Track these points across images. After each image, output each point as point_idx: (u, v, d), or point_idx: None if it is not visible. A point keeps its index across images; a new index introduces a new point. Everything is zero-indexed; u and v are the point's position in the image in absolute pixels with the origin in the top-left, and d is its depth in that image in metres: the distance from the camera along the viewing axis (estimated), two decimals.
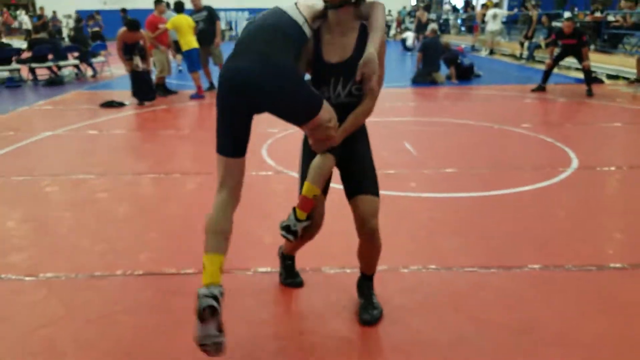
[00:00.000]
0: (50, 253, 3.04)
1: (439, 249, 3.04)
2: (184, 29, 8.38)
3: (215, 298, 1.78)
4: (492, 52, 16.24)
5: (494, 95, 8.90)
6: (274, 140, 5.68)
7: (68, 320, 2.32)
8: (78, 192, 4.18)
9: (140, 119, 7.29)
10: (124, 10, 15.26)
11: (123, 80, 10.82)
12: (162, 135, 6.27)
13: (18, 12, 27.14)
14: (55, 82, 10.24)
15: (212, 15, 8.87)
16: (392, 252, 2.98)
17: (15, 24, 25.85)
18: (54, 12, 24.20)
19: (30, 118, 7.35)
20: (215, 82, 8.60)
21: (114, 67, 12.12)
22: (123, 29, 8.01)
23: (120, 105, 7.75)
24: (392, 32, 27.16)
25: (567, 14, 12.48)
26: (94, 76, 11.43)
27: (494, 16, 15.76)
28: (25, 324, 2.29)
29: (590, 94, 8.37)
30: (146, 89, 8.08)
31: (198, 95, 8.62)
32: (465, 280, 2.65)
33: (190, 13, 8.86)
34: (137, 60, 7.89)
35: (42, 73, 10.71)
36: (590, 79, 8.60)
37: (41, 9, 24.11)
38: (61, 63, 10.76)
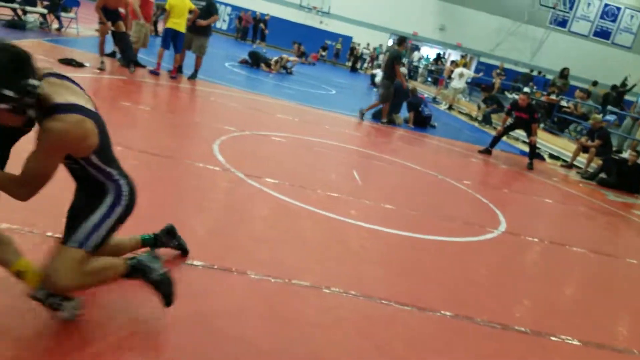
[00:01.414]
0: None
1: (362, 277, 3.13)
2: (178, 9, 8.33)
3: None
4: (450, 108, 17.00)
5: (444, 147, 9.32)
6: (228, 138, 5.66)
7: None
8: None
9: (97, 84, 7.03)
10: None
11: (88, 41, 10.43)
12: (114, 105, 6.07)
13: None
14: (17, 26, 9.67)
15: (210, 6, 8.90)
16: (320, 271, 3.04)
17: None
18: None
19: None
20: (189, 70, 8.47)
21: (81, 26, 11.65)
22: None
23: (80, 65, 7.44)
24: (365, 65, 27.88)
25: (526, 89, 13.35)
26: (58, 29, 10.90)
27: (461, 75, 16.57)
28: None
29: (530, 167, 8.94)
30: (132, 52, 7.93)
31: (155, 72, 8.63)
32: (379, 311, 2.74)
33: None
34: (120, 25, 7.70)
35: (6, 13, 10.11)
36: (534, 154, 9.20)
37: None
38: (28, 8, 10.19)
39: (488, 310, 3.09)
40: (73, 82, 1.99)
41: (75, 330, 2.01)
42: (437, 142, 9.68)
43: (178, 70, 9.05)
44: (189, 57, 9.23)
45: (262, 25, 24.18)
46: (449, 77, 18.63)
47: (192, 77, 9.11)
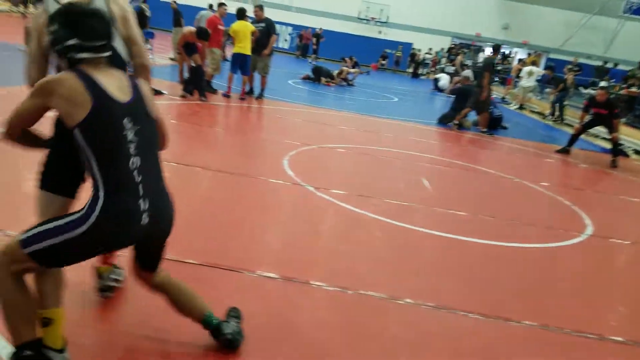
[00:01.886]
0: None
1: (440, 288, 3.05)
2: (241, 34, 8.72)
3: None
4: (521, 107, 16.28)
5: (517, 149, 8.93)
6: (296, 152, 5.76)
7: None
8: None
9: (176, 110, 7.41)
10: (175, 4, 15.54)
11: (163, 71, 11.08)
12: (191, 129, 6.38)
13: None
14: None
15: (270, 27, 9.26)
16: (396, 282, 3.00)
17: None
18: None
19: None
20: (256, 90, 8.81)
21: (157, 56, 12.40)
22: (190, 30, 8.36)
23: (159, 93, 7.91)
24: (426, 70, 27.45)
25: (602, 83, 12.54)
26: None
27: (530, 73, 15.85)
28: None
29: (614, 165, 8.35)
30: (204, 84, 8.45)
31: (227, 95, 9.04)
32: (462, 324, 2.65)
33: (252, 21, 9.29)
34: (197, 58, 8.23)
35: None
36: (617, 151, 8.59)
37: None
38: None
39: (580, 320, 2.89)
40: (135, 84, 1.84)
41: (166, 348, 2.11)
42: (509, 144, 9.29)
43: (248, 91, 9.40)
44: (255, 78, 9.55)
45: (313, 40, 24.49)
46: (517, 76, 17.89)
47: (259, 96, 9.42)
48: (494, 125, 10.46)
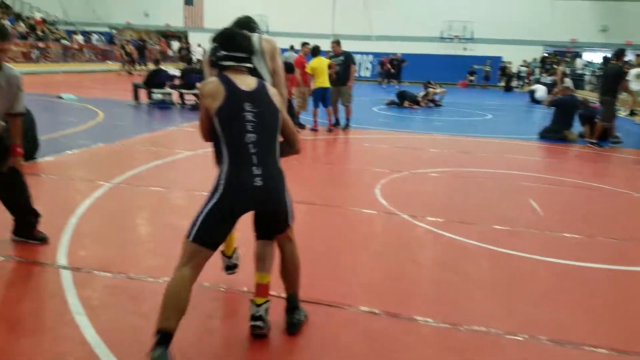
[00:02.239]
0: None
1: (562, 320, 2.75)
2: (319, 70, 9.06)
3: None
4: (632, 113, 14.84)
5: (633, 159, 8.08)
6: (387, 180, 5.66)
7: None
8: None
9: None
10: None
11: None
12: (283, 162, 6.54)
13: (173, 42, 30.65)
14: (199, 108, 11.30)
15: (348, 59, 9.59)
16: (513, 316, 2.76)
17: (170, 52, 29.21)
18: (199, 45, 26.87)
19: (175, 137, 8.16)
20: (341, 120, 8.99)
21: None
22: None
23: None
24: (521, 82, 26.18)
25: None
26: None
27: (638, 75, 14.45)
28: None
29: None
30: (294, 119, 8.84)
31: (314, 129, 9.27)
32: None
33: (331, 56, 9.75)
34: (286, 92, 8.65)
35: (189, 99, 11.86)
36: None
37: (183, 42, 26.54)
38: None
39: None
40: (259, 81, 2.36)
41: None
42: (623, 155, 8.44)
43: (335, 123, 9.57)
44: (340, 109, 9.67)
45: (389, 65, 24.32)
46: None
47: (346, 126, 9.52)
48: (603, 136, 9.60)
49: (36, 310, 2.65)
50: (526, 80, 25.72)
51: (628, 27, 25.77)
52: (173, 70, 13.24)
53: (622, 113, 14.81)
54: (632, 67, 15.68)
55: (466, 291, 3.07)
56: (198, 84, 2.28)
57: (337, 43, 9.89)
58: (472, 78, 26.57)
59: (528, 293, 3.09)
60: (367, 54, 27.96)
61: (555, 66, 24.26)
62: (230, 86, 2.20)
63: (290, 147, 2.46)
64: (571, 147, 9.00)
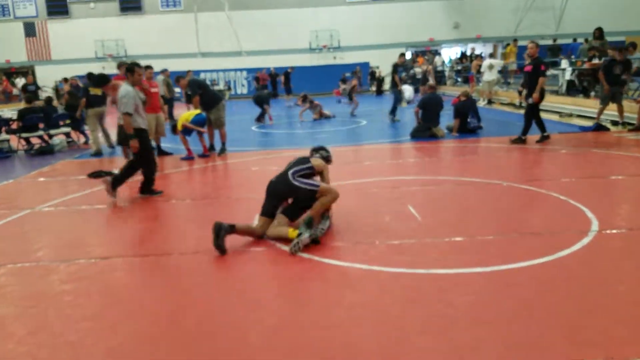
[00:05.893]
0: None
1: (459, 344, 2.56)
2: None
3: None
4: (490, 102, 16.16)
5: (497, 148, 8.59)
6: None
7: None
8: (40, 283, 3.75)
9: (127, 189, 6.84)
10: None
11: (117, 148, 10.56)
12: (150, 207, 5.87)
13: (18, 80, 27.57)
14: (46, 151, 10.00)
15: (191, 86, 9.05)
16: (401, 349, 2.50)
17: (15, 91, 26.23)
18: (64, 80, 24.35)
19: (12, 193, 6.96)
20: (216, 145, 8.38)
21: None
22: None
23: (109, 174, 7.42)
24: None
25: (564, 61, 12.37)
26: (85, 143, 11.20)
27: (490, 66, 15.81)
28: None
29: (542, 139, 8.47)
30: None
31: (188, 157, 8.72)
32: None
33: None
34: None
35: (34, 141, 10.50)
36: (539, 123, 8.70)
37: (29, 77, 23.84)
38: (52, 132, 10.57)
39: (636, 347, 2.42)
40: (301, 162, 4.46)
41: None
42: (488, 144, 8.97)
43: (210, 148, 9.11)
44: (216, 133, 9.17)
45: (278, 78, 24.35)
46: (478, 72, 17.88)
47: (222, 151, 8.99)
48: (468, 128, 10.20)
49: None
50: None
51: (477, 21, 28.48)
52: (8, 112, 11.71)
53: (481, 103, 16.05)
54: (483, 59, 17.07)
55: (359, 329, 2.77)
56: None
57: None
58: (344, 86, 27.35)
59: (420, 315, 2.88)
60: (240, 70, 27.63)
61: (416, 60, 26.07)
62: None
63: None
64: (440, 142, 9.40)
